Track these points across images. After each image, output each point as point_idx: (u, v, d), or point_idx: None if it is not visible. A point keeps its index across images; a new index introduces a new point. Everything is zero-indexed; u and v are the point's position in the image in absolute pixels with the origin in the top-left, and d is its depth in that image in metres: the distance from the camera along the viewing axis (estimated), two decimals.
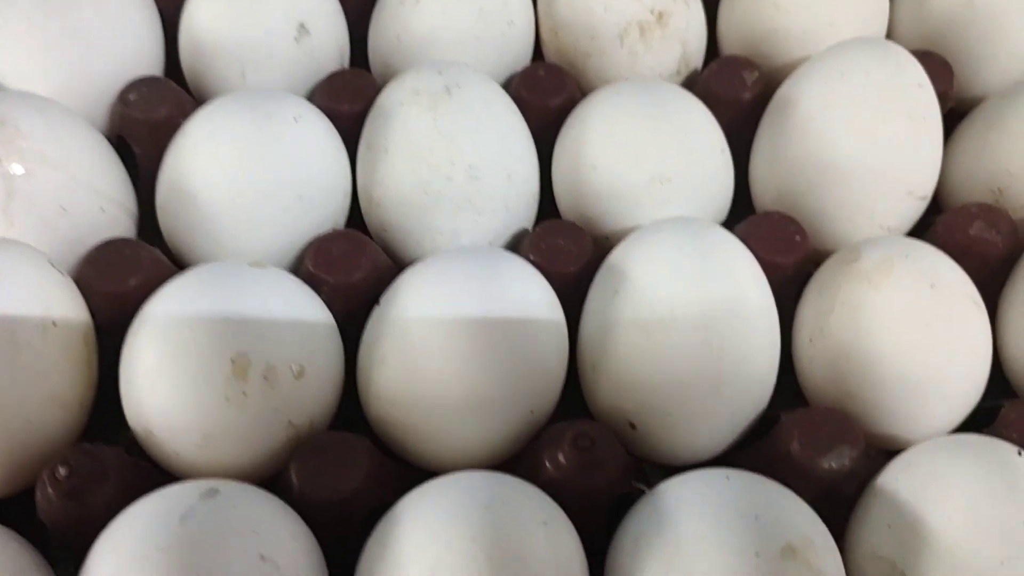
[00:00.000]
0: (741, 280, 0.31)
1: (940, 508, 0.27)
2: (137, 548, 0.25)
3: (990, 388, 0.33)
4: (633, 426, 0.31)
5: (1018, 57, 0.38)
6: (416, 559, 0.26)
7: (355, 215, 0.36)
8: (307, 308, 0.31)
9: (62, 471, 0.28)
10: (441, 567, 0.25)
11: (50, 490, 0.28)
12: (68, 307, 0.31)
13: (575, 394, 0.33)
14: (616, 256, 0.32)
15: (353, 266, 0.33)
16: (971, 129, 0.37)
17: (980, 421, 0.32)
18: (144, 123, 0.36)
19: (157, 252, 0.34)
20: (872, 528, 0.29)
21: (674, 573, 0.26)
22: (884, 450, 0.31)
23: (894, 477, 0.29)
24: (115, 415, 0.32)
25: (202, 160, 0.33)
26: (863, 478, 0.30)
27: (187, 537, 0.25)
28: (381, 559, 0.26)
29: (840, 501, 0.30)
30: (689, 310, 0.30)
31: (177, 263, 0.34)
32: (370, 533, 0.28)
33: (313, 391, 0.30)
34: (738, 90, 0.38)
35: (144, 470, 0.30)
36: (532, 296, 0.30)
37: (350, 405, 0.32)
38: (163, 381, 0.29)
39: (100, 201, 0.34)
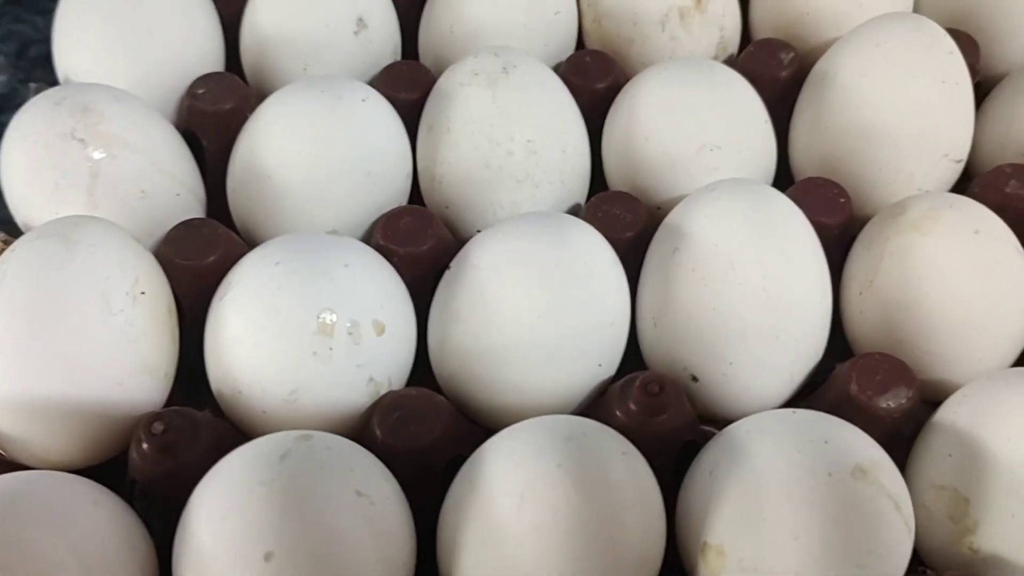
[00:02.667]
0: (794, 234, 0.32)
1: (999, 432, 0.28)
2: (240, 484, 0.27)
3: None
4: (695, 378, 0.33)
5: None
6: (505, 489, 0.27)
7: (414, 197, 0.38)
8: (383, 272, 0.32)
9: (158, 426, 0.30)
10: (530, 493, 0.26)
11: (145, 445, 0.30)
12: (154, 279, 0.32)
13: (636, 354, 0.34)
14: (674, 216, 0.33)
15: (420, 238, 0.34)
16: (999, 99, 0.39)
17: None
18: (212, 115, 0.38)
19: (231, 232, 0.35)
20: (932, 460, 0.30)
21: (750, 497, 0.27)
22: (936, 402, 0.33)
23: (951, 410, 0.30)
24: (192, 388, 0.34)
25: (276, 140, 0.35)
26: (919, 420, 0.32)
27: (287, 472, 0.27)
28: (469, 494, 0.28)
29: (899, 442, 0.31)
30: (747, 263, 0.31)
31: (249, 244, 0.36)
32: (446, 485, 0.29)
33: (392, 349, 0.31)
34: (775, 69, 0.40)
35: (231, 430, 0.32)
36: (596, 255, 0.32)
37: (417, 370, 0.34)
38: (253, 340, 0.30)
39: (176, 187, 0.36)
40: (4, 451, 0.31)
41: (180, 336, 0.34)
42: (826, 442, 0.28)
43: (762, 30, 0.43)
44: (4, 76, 0.50)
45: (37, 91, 0.38)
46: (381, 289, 0.32)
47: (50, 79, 0.42)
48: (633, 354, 0.34)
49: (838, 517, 0.26)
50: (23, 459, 0.31)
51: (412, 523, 0.29)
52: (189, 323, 0.34)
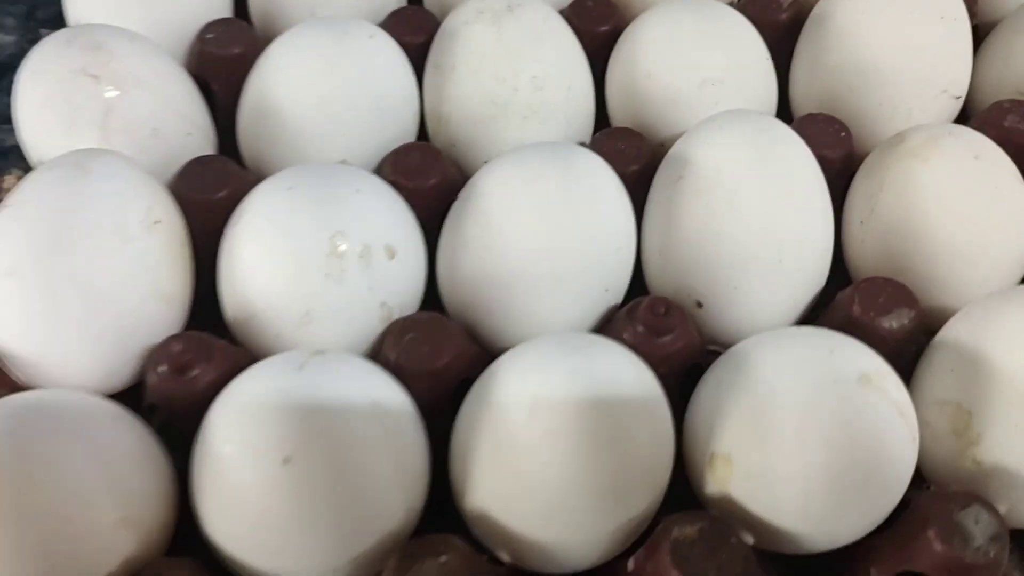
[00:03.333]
0: (796, 162, 0.33)
1: (1000, 345, 0.29)
2: (259, 392, 0.27)
3: None
4: (700, 304, 0.33)
5: None
6: (516, 399, 0.27)
7: (420, 138, 0.38)
8: (393, 200, 0.33)
9: (175, 347, 0.30)
10: (540, 401, 0.27)
11: (164, 367, 0.30)
12: (167, 209, 0.33)
13: (641, 286, 0.35)
14: (678, 147, 0.34)
15: (428, 172, 0.35)
16: (998, 38, 0.40)
17: None
18: (221, 59, 0.39)
19: (241, 168, 0.36)
20: (935, 376, 0.31)
21: (757, 406, 0.28)
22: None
23: (953, 328, 0.31)
24: (204, 320, 0.34)
25: (286, 77, 0.35)
26: (920, 342, 0.32)
27: (305, 381, 0.27)
28: (482, 406, 0.28)
29: (901, 363, 0.32)
30: (750, 189, 0.32)
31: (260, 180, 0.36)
32: (456, 406, 0.30)
33: (403, 274, 0.32)
34: (774, 13, 0.40)
35: (245, 353, 0.32)
36: (602, 182, 0.32)
37: (425, 301, 0.34)
38: (267, 263, 0.31)
39: (187, 126, 0.36)
40: (24, 377, 0.31)
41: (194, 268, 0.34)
42: (831, 352, 0.28)
43: None
44: (14, 36, 0.50)
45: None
46: (392, 216, 0.32)
47: None
48: (637, 286, 0.35)
49: (844, 422, 0.27)
50: (43, 386, 0.31)
51: (426, 438, 0.29)
52: (201, 257, 0.34)
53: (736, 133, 0.33)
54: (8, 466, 0.26)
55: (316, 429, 0.26)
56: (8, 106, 0.47)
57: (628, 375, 0.28)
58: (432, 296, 0.34)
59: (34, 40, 0.50)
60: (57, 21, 0.50)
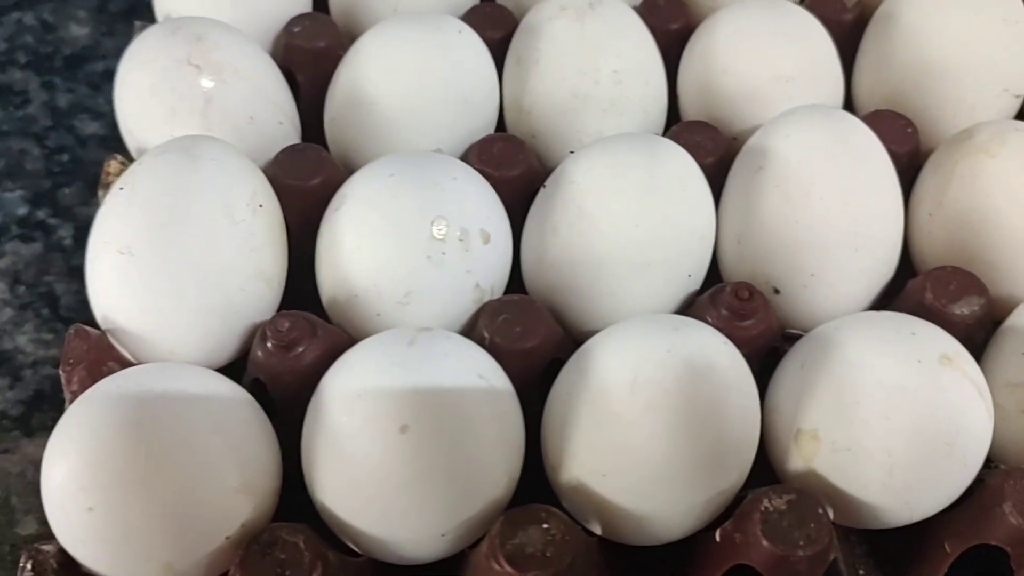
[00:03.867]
0: (869, 153, 0.34)
1: None
2: (374, 365, 0.29)
3: None
4: (777, 291, 0.35)
5: None
6: (617, 373, 0.29)
7: (499, 129, 0.40)
8: (485, 187, 0.34)
9: (284, 324, 0.31)
10: (642, 376, 0.28)
11: (271, 343, 0.31)
12: (268, 194, 0.34)
13: (716, 273, 0.36)
14: (757, 139, 0.35)
15: (513, 162, 0.36)
16: None
17: None
18: (308, 52, 0.40)
19: (332, 157, 0.37)
20: (1005, 360, 0.32)
21: (843, 384, 0.29)
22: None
23: (1020, 315, 0.32)
24: (294, 302, 0.35)
25: (377, 70, 0.37)
26: (989, 330, 0.34)
27: (417, 355, 0.29)
28: (580, 379, 0.30)
29: (972, 348, 0.33)
30: (827, 179, 0.33)
31: (349, 170, 0.38)
32: (546, 386, 0.31)
33: (496, 257, 0.34)
34: (839, 13, 0.42)
35: (344, 335, 0.33)
36: (686, 171, 0.34)
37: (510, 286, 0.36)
38: (369, 245, 0.32)
39: (279, 115, 0.38)
40: (134, 352, 0.33)
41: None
42: (913, 334, 0.30)
43: None
44: (87, 29, 0.52)
45: (141, 28, 0.41)
46: (485, 202, 0.34)
47: (128, 32, 0.44)
48: (713, 272, 0.36)
49: (928, 399, 0.28)
50: (152, 359, 0.33)
51: (521, 412, 0.31)
52: (293, 242, 0.36)
53: (813, 127, 0.34)
54: (140, 433, 0.27)
55: (430, 400, 0.28)
56: (86, 96, 0.49)
57: (721, 354, 0.29)
58: (514, 280, 0.36)
59: (108, 32, 0.52)
60: (130, 13, 0.52)
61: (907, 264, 0.37)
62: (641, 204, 0.33)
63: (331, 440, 0.28)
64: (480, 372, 0.29)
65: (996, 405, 0.32)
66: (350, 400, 0.28)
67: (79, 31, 0.52)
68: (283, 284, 0.35)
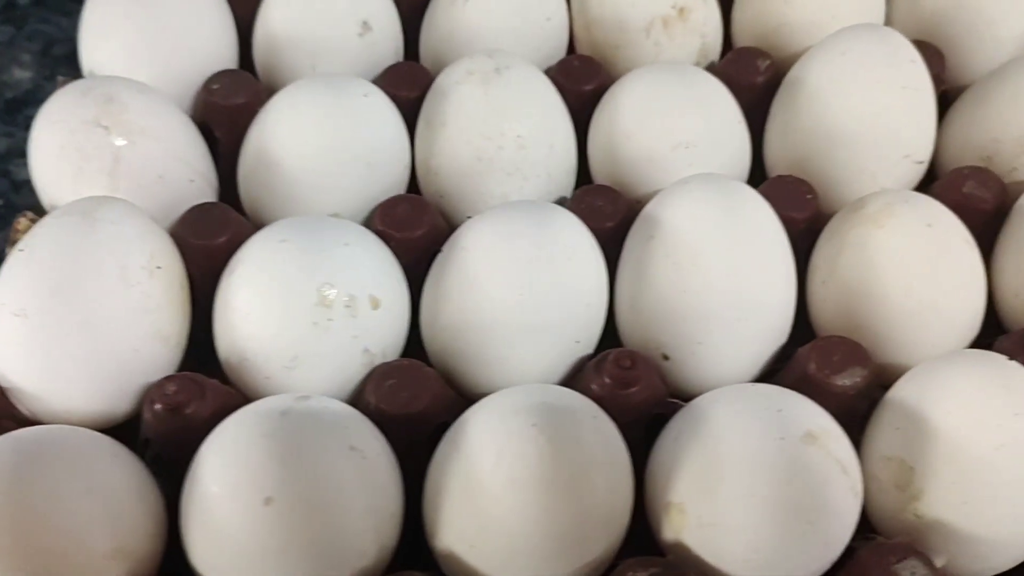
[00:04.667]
0: (759, 224, 0.35)
1: (942, 406, 0.31)
2: (244, 435, 0.29)
3: (988, 329, 0.37)
4: (666, 357, 0.35)
5: (1002, 43, 0.43)
6: (484, 447, 0.29)
7: (412, 188, 0.41)
8: (380, 252, 0.35)
9: (170, 387, 0.32)
10: (507, 451, 0.29)
11: (158, 405, 0.32)
12: (168, 255, 0.35)
13: (615, 336, 0.37)
14: (650, 207, 0.36)
15: (416, 224, 0.37)
16: (962, 106, 0.42)
17: None
18: (225, 109, 0.41)
19: (240, 215, 0.38)
20: (882, 433, 0.32)
21: (709, 459, 0.30)
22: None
23: (901, 388, 0.33)
24: (201, 359, 0.36)
25: (285, 132, 0.37)
26: (874, 398, 0.34)
27: (287, 426, 0.29)
28: (452, 452, 0.30)
29: (853, 418, 0.34)
30: (714, 249, 0.34)
31: (258, 229, 0.39)
32: (433, 450, 0.32)
33: (387, 322, 0.34)
34: (752, 75, 0.43)
35: (235, 395, 0.34)
36: (576, 240, 0.34)
37: (411, 347, 0.36)
38: (258, 310, 0.33)
39: (190, 173, 0.39)
40: (29, 410, 0.33)
41: (192, 310, 0.37)
42: (779, 411, 0.30)
43: (742, 39, 0.45)
44: (30, 72, 0.53)
45: (63, 83, 0.41)
46: (377, 267, 0.34)
47: (73, 75, 0.45)
48: (612, 336, 0.37)
49: (789, 478, 0.29)
50: (46, 419, 0.33)
51: (401, 481, 0.31)
52: (199, 299, 0.37)
53: (703, 196, 0.35)
54: (9, 500, 0.28)
55: (296, 472, 0.28)
56: (24, 140, 0.50)
57: (589, 428, 0.30)
58: (417, 342, 0.36)
59: (49, 76, 0.53)
60: (72, 58, 0.53)
61: (809, 326, 0.38)
62: (527, 272, 0.33)
63: (202, 508, 0.29)
64: (353, 443, 0.30)
65: (873, 476, 0.32)
66: (219, 469, 0.29)
67: (22, 75, 0.53)
68: (183, 344, 0.36)
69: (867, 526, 0.33)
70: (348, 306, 0.33)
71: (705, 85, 0.40)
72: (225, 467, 0.29)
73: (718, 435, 0.30)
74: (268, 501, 0.28)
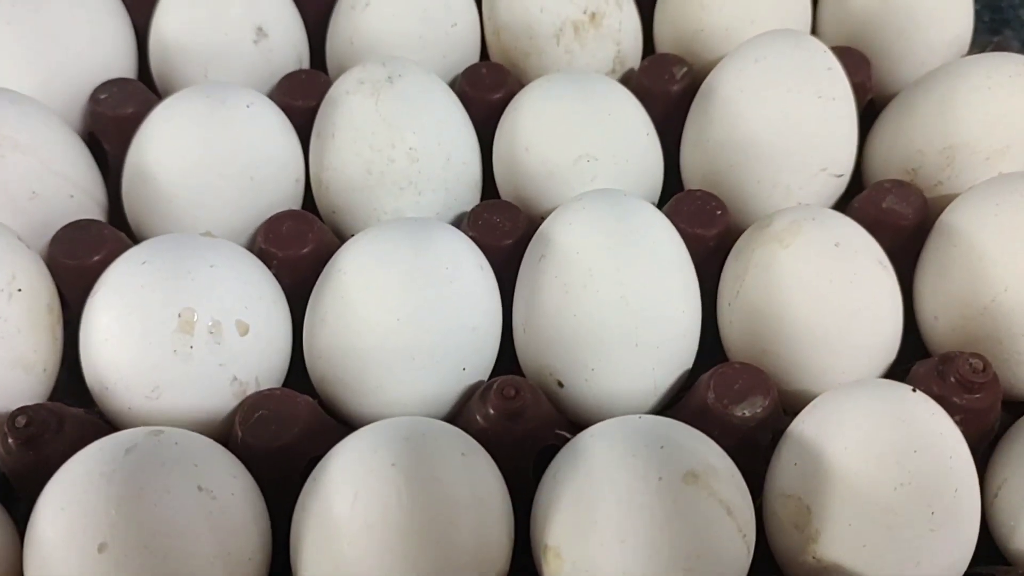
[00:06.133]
0: (655, 242, 0.33)
1: (839, 441, 0.29)
2: (83, 475, 0.27)
3: (911, 353, 0.35)
4: (561, 384, 0.33)
5: (933, 50, 0.41)
6: (341, 487, 0.27)
7: (309, 203, 0.39)
8: (253, 274, 0.33)
9: (21, 420, 0.30)
10: (364, 492, 0.27)
11: (10, 439, 0.30)
12: (33, 276, 0.33)
13: (515, 361, 0.35)
14: (544, 226, 0.34)
15: (301, 241, 0.35)
16: (888, 116, 0.40)
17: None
18: (113, 120, 0.39)
19: (119, 232, 0.36)
20: (781, 469, 0.30)
21: (584, 500, 0.28)
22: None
23: (801, 420, 0.31)
24: (81, 385, 0.34)
25: (161, 144, 0.36)
26: (777, 429, 0.32)
27: (129, 465, 0.27)
28: (313, 491, 0.28)
29: (756, 450, 0.32)
30: (606, 270, 0.32)
31: None
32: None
33: (258, 349, 0.32)
34: (667, 83, 0.40)
35: (98, 425, 0.32)
36: (461, 259, 0.32)
37: (301, 373, 0.34)
38: (116, 337, 0.31)
39: (70, 188, 0.37)
40: None
41: (66, 334, 0.35)
42: (662, 447, 0.28)
43: (662, 46, 0.43)
44: None
45: None
46: (248, 290, 0.32)
47: None
48: (514, 360, 0.35)
49: (665, 520, 0.27)
50: None
51: (265, 519, 0.29)
52: (77, 322, 0.35)
53: (595, 214, 0.33)
54: None
55: (133, 515, 0.26)
56: None
57: (455, 465, 0.28)
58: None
59: None
60: None
61: (722, 350, 0.36)
62: (406, 294, 0.31)
63: (37, 551, 0.27)
64: (203, 483, 0.28)
65: (774, 514, 0.30)
66: (54, 511, 0.27)
67: None
68: (52, 370, 0.34)
69: (773, 566, 0.31)
70: (212, 332, 0.31)
71: (610, 94, 0.37)
72: (60, 509, 0.27)
73: (593, 473, 0.28)
74: (102, 547, 0.26)
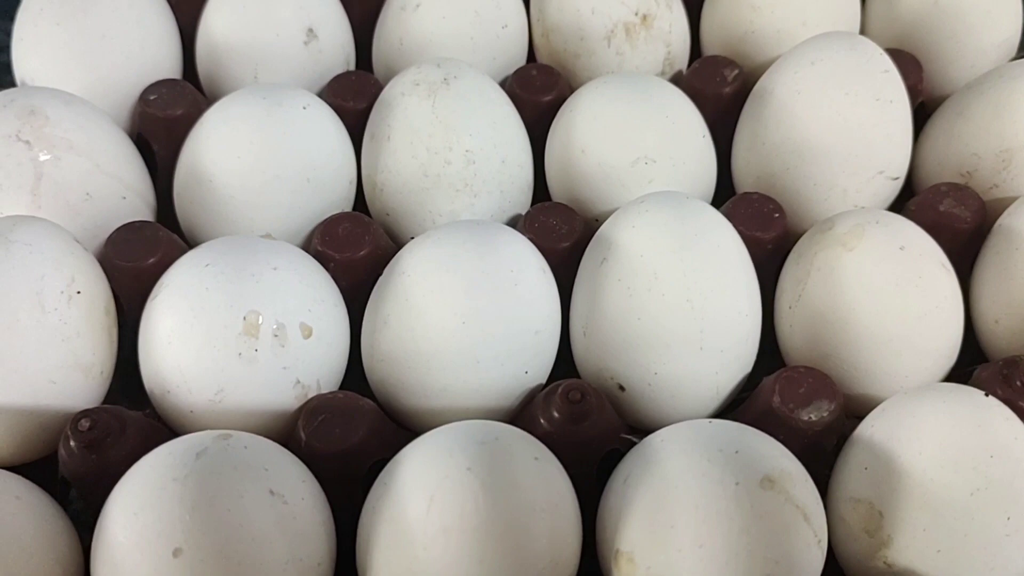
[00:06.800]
0: (719, 245, 0.32)
1: (912, 447, 0.29)
2: (154, 479, 0.27)
3: (967, 356, 0.35)
4: (622, 388, 0.33)
5: (984, 52, 0.41)
6: (416, 490, 0.27)
7: (360, 205, 0.38)
8: (314, 276, 0.33)
9: (85, 424, 0.30)
10: (440, 495, 0.27)
11: (73, 443, 0.30)
12: (91, 279, 0.33)
13: (571, 365, 0.35)
14: (605, 228, 0.34)
15: (358, 244, 0.35)
16: (941, 119, 0.39)
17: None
18: (162, 121, 0.39)
19: (173, 234, 0.36)
20: (850, 472, 0.30)
21: (659, 505, 0.27)
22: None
23: (869, 424, 0.30)
24: (135, 388, 0.34)
25: (217, 145, 0.35)
26: (842, 433, 0.32)
27: (201, 470, 0.27)
28: (384, 496, 0.28)
29: (821, 454, 0.32)
30: (671, 273, 0.32)
31: (192, 246, 0.36)
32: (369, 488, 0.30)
33: (320, 352, 0.32)
34: (719, 86, 0.40)
35: (160, 430, 0.32)
36: (523, 263, 0.32)
37: (355, 376, 0.34)
38: (180, 340, 0.31)
39: (122, 189, 0.36)
40: None
41: (121, 336, 0.34)
42: (736, 452, 0.28)
43: (711, 47, 0.43)
44: None
45: None
46: (311, 293, 0.32)
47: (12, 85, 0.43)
48: (569, 363, 0.35)
49: (743, 526, 0.27)
50: None
51: (331, 524, 0.29)
52: (131, 324, 0.34)
53: (659, 216, 0.32)
54: None
55: (207, 520, 0.26)
56: None
57: (530, 470, 0.28)
58: (363, 372, 0.34)
59: None
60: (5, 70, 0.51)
61: (779, 352, 0.36)
62: (470, 298, 0.31)
63: (108, 556, 0.27)
64: (274, 487, 0.27)
65: (841, 519, 0.30)
66: (127, 516, 0.27)
67: None
68: (108, 373, 0.33)
69: (837, 571, 0.31)
70: (276, 335, 0.31)
71: (666, 96, 0.37)
72: (133, 514, 0.27)
73: (669, 479, 0.28)
74: (177, 552, 0.26)
